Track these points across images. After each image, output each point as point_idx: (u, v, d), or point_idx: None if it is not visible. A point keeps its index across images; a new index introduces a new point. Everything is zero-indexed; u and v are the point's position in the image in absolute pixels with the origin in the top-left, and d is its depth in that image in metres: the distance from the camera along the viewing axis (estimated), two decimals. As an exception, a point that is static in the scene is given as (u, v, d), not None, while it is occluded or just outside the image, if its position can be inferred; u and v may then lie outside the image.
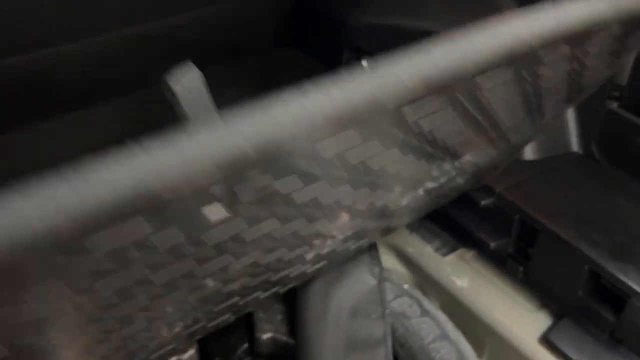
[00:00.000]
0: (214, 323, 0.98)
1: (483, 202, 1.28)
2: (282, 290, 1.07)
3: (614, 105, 1.29)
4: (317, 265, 1.07)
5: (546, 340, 1.14)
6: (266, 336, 1.17)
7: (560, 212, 1.20)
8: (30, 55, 1.33)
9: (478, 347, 1.19)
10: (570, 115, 1.37)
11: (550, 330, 1.16)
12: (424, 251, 1.37)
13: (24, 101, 1.40)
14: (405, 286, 1.26)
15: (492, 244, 1.29)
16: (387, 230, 1.23)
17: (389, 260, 1.38)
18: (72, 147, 1.41)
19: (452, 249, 1.37)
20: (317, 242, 0.90)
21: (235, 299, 0.92)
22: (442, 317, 1.19)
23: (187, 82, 1.09)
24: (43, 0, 1.24)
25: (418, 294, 1.26)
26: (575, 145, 1.40)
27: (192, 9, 1.55)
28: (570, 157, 1.38)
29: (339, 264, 1.18)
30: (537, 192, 1.27)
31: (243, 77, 1.71)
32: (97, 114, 1.50)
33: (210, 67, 1.63)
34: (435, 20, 1.46)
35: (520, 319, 1.20)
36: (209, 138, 0.48)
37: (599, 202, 1.24)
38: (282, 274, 0.94)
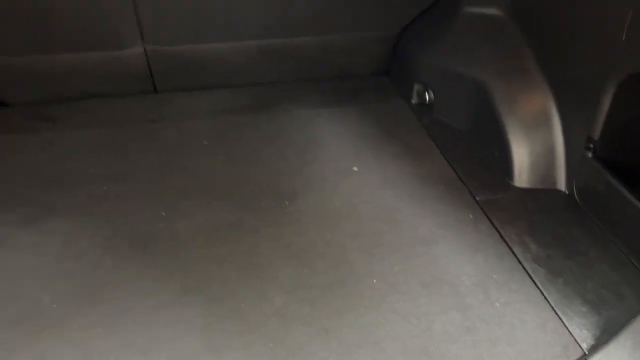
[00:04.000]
0: None
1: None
2: None
3: (589, 155, 1.57)
4: None
5: None
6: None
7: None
8: (201, 45, 2.09)
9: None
10: (560, 156, 1.67)
11: None
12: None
13: (189, 75, 2.16)
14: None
15: None
16: None
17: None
18: (206, 107, 2.12)
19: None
20: None
21: None
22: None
23: None
24: (215, 12, 1.97)
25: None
26: (562, 184, 1.69)
27: (317, 34, 2.18)
28: (555, 194, 1.68)
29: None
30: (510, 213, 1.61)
31: (343, 92, 2.28)
32: (224, 94, 2.19)
33: (320, 83, 2.30)
34: (482, 68, 1.88)
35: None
36: None
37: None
38: None
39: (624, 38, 1.40)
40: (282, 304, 1.32)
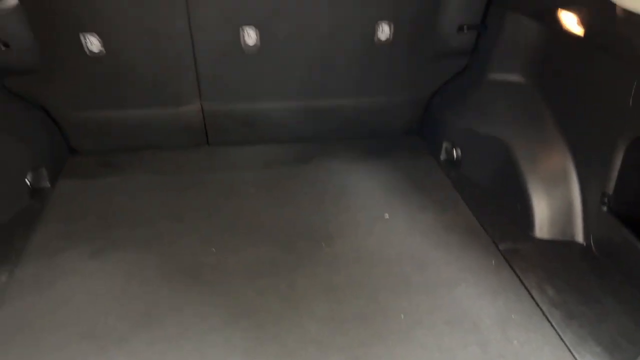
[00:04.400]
0: None
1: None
2: None
3: (604, 209, 1.70)
4: None
5: None
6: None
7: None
8: (250, 105, 2.35)
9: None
10: (577, 210, 1.80)
11: None
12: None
13: (238, 130, 2.42)
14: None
15: None
16: None
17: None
18: (253, 159, 2.35)
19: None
20: None
21: None
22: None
23: None
24: (265, 77, 2.24)
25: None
26: (580, 236, 1.81)
27: (353, 97, 2.42)
28: (573, 246, 1.80)
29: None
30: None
31: (377, 149, 2.48)
32: (269, 148, 2.43)
33: (355, 140, 2.52)
34: (505, 129, 2.06)
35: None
36: None
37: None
38: None
39: (630, 104, 1.57)
40: (317, 332, 1.47)
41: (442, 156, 2.37)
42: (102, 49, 2.05)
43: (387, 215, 1.97)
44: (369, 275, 1.68)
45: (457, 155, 2.29)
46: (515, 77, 2.13)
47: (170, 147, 2.41)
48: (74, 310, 1.54)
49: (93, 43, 2.04)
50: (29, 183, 2.05)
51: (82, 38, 2.02)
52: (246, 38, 2.11)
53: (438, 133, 2.41)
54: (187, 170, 2.27)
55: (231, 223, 1.92)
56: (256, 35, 2.10)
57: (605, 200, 1.70)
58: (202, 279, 1.65)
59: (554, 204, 1.85)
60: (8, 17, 1.93)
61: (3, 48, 1.98)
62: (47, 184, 2.13)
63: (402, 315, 1.53)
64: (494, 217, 1.95)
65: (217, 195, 2.09)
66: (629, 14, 1.38)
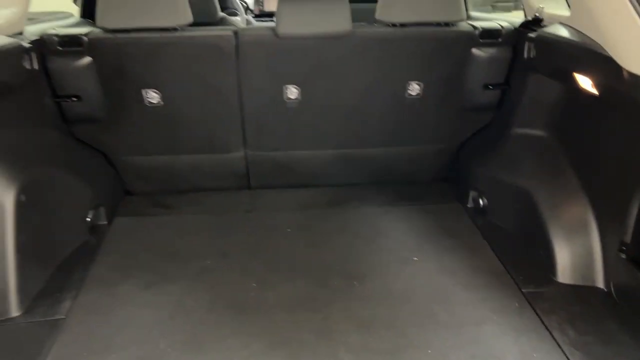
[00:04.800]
0: None
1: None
2: None
3: (623, 257, 1.80)
4: None
5: None
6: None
7: None
8: (290, 152, 2.55)
9: None
10: (597, 257, 1.90)
11: None
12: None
13: (278, 175, 2.62)
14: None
15: None
16: None
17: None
18: (291, 201, 2.53)
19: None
20: None
21: None
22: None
23: None
24: (303, 128, 2.45)
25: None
26: (600, 282, 1.90)
27: (385, 146, 2.60)
28: (594, 290, 1.88)
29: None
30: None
31: (406, 195, 2.64)
32: (306, 192, 2.61)
33: (386, 186, 2.70)
34: (528, 179, 2.19)
35: None
36: None
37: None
38: None
39: (644, 158, 1.69)
40: (350, 362, 1.59)
41: (470, 203, 2.50)
42: (160, 101, 2.30)
43: (415, 258, 2.10)
44: (398, 312, 1.80)
45: (483, 202, 2.43)
46: (537, 131, 2.27)
47: (215, 190, 2.62)
48: (129, 335, 1.70)
49: (152, 96, 2.29)
50: (89, 220, 2.27)
51: (143, 93, 2.28)
52: (288, 93, 2.33)
53: (466, 181, 2.56)
54: (231, 211, 2.47)
55: (271, 260, 2.08)
56: (297, 91, 2.33)
57: (624, 248, 1.80)
58: (244, 310, 1.81)
59: (575, 251, 1.95)
60: (82, 73, 2.20)
61: (75, 100, 2.26)
62: (105, 222, 2.35)
63: (429, 350, 1.63)
64: (518, 261, 2.06)
65: (258, 235, 2.27)
66: (635, 77, 1.53)
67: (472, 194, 2.49)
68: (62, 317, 1.77)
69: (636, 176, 1.73)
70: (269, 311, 1.80)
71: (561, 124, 2.16)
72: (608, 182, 1.89)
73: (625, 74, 1.55)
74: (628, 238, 1.78)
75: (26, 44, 2.01)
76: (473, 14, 3.05)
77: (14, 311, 1.76)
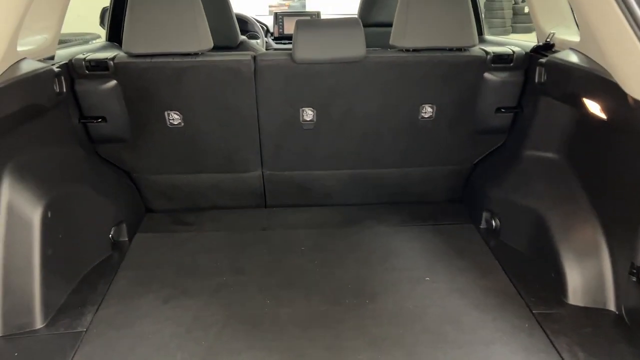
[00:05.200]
0: None
1: None
2: None
3: (633, 279, 1.81)
4: None
5: None
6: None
7: None
8: (305, 172, 2.62)
9: None
10: (609, 279, 1.91)
11: None
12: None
13: (293, 194, 2.68)
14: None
15: None
16: None
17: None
18: (305, 220, 2.59)
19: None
20: None
21: None
22: None
23: None
24: (319, 149, 2.51)
25: None
26: (611, 304, 1.91)
27: (399, 167, 2.65)
28: (605, 313, 1.89)
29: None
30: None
31: (420, 215, 2.68)
32: (320, 211, 2.67)
33: (400, 206, 2.74)
34: (540, 201, 2.22)
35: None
36: None
37: None
38: None
39: (653, 182, 1.72)
40: (361, 379, 1.63)
41: (482, 225, 2.53)
42: (182, 122, 2.40)
43: (428, 278, 2.13)
44: (409, 330, 1.83)
45: (495, 224, 2.45)
46: (549, 154, 2.30)
47: (233, 208, 2.69)
48: (146, 348, 1.76)
49: (174, 118, 2.39)
50: (111, 236, 2.35)
51: (165, 114, 2.38)
52: (304, 115, 2.41)
53: (478, 202, 2.59)
54: (248, 229, 2.54)
55: (285, 277, 2.14)
56: (313, 113, 2.40)
57: (634, 271, 1.81)
58: (259, 326, 1.86)
59: (586, 273, 1.97)
60: (107, 96, 2.31)
61: (100, 121, 2.36)
62: (126, 238, 2.44)
63: (438, 369, 1.67)
64: (529, 283, 2.08)
65: (274, 252, 2.33)
66: (639, 103, 1.57)
67: (484, 214, 2.52)
68: (84, 329, 1.84)
69: (646, 199, 1.75)
70: (283, 327, 1.85)
71: (572, 147, 2.19)
72: (618, 205, 1.91)
73: (630, 100, 1.59)
74: (638, 261, 1.80)
75: (56, 68, 2.12)
76: (488, 37, 3.12)
77: (38, 323, 1.84)
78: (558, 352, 1.72)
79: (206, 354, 1.73)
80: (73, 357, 1.72)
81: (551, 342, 1.77)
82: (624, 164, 1.88)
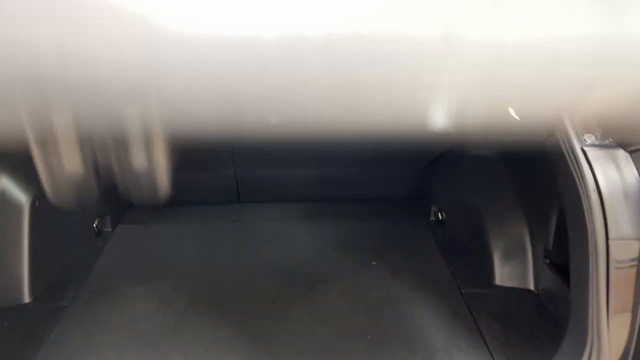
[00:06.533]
0: None
1: None
2: None
3: (547, 261, 2.07)
4: None
5: None
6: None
7: None
8: (271, 170, 2.89)
9: None
10: (529, 263, 2.17)
11: None
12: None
13: (263, 190, 2.96)
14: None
15: None
16: None
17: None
18: (273, 213, 2.86)
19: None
20: None
21: None
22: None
23: None
24: (288, 151, 2.78)
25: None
26: (531, 284, 2.17)
27: (358, 167, 2.91)
28: (526, 292, 2.15)
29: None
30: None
31: (375, 209, 2.94)
32: (287, 205, 2.96)
33: (359, 201, 2.99)
34: (479, 197, 2.47)
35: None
36: None
37: None
38: None
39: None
40: (303, 333, 1.90)
41: (431, 218, 2.80)
42: None
43: (374, 263, 2.40)
44: (352, 307, 2.10)
45: (442, 217, 2.72)
46: (489, 154, 2.56)
47: (208, 203, 2.97)
48: (121, 319, 2.03)
49: None
50: (95, 226, 2.62)
51: None
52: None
53: (427, 198, 2.86)
54: (220, 221, 2.83)
55: (250, 262, 2.42)
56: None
57: (547, 254, 2.07)
58: (222, 305, 2.12)
59: (512, 258, 2.23)
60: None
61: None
62: (110, 228, 2.71)
63: (369, 337, 1.93)
64: (464, 269, 2.35)
65: (242, 241, 2.61)
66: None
67: (433, 209, 2.79)
68: (66, 304, 2.11)
69: (555, 195, 2.01)
70: (241, 305, 2.12)
71: (507, 148, 2.45)
72: (538, 194, 2.16)
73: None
74: (550, 245, 2.06)
75: None
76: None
77: (27, 298, 2.11)
78: (476, 324, 1.98)
79: (172, 327, 2.00)
80: (57, 324, 1.99)
81: (472, 316, 2.03)
82: (542, 163, 2.13)
